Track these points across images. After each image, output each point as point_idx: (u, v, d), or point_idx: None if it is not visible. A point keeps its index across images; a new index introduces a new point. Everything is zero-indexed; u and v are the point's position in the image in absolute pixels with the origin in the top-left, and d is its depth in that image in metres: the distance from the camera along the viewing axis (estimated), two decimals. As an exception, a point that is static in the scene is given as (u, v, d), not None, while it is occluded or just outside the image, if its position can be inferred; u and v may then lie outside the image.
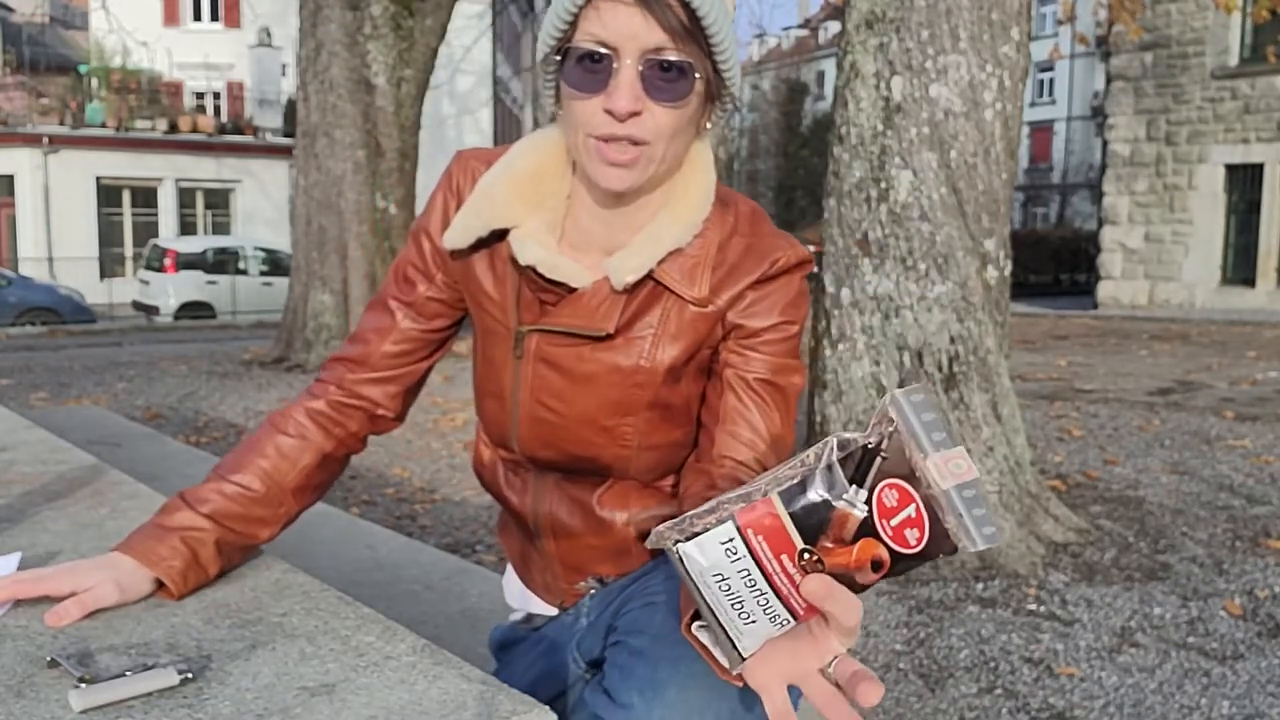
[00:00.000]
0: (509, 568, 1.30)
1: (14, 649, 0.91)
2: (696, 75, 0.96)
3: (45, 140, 21.51)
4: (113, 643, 0.93)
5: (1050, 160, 39.61)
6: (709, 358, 1.08)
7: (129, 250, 23.04)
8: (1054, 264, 25.38)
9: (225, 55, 26.05)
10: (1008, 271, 4.10)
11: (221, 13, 26.39)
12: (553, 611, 1.22)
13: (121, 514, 1.35)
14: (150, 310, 17.01)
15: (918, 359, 3.97)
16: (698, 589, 0.67)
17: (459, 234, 1.09)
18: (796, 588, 0.65)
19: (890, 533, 0.65)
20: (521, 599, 1.27)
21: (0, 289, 15.65)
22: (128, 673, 0.84)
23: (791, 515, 0.64)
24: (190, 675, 0.85)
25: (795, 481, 0.65)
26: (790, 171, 37.31)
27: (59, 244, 21.99)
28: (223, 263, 17.60)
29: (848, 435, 0.66)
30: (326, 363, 1.21)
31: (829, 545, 0.65)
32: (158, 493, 1.46)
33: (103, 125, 22.12)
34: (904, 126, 3.93)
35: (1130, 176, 17.59)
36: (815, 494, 0.65)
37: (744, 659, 0.69)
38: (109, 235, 23.03)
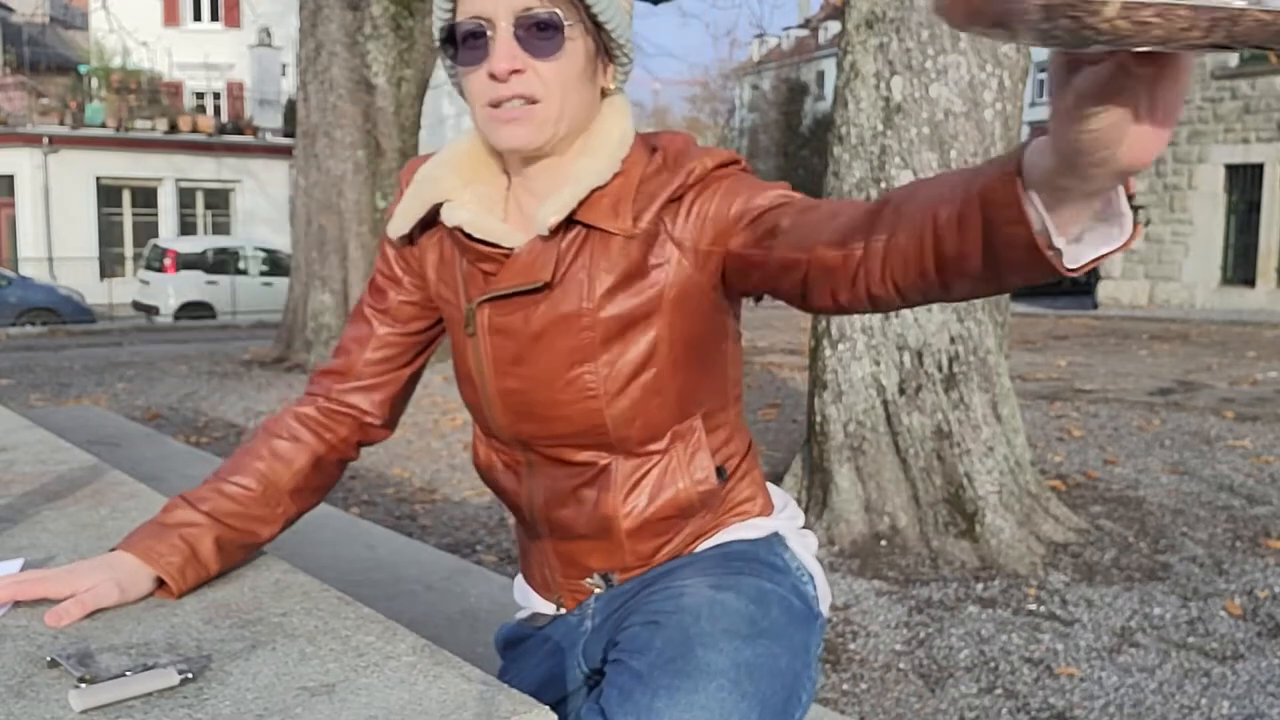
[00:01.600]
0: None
1: (14, 649, 0.91)
2: (567, 24, 1.00)
3: (45, 140, 21.50)
4: (113, 643, 0.93)
5: (1050, 160, 39.55)
6: (667, 292, 1.04)
7: (129, 250, 23.04)
8: (1054, 264, 25.35)
9: (225, 55, 26.05)
10: (1008, 271, 4.09)
11: (221, 13, 26.38)
12: (552, 609, 1.22)
13: (121, 514, 1.35)
14: (150, 310, 17.01)
15: (918, 359, 3.97)
16: None
17: (400, 220, 1.13)
18: None
19: None
20: (524, 596, 1.27)
21: (0, 289, 15.66)
22: (128, 673, 0.84)
23: None
24: (190, 675, 0.85)
25: None
26: (790, 171, 37.29)
27: (59, 244, 21.99)
28: (223, 263, 17.60)
29: None
30: (313, 375, 1.23)
31: None
32: (158, 493, 1.46)
33: (103, 125, 22.11)
34: (904, 126, 3.93)
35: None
36: None
37: None
38: (109, 235, 23.03)
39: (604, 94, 1.09)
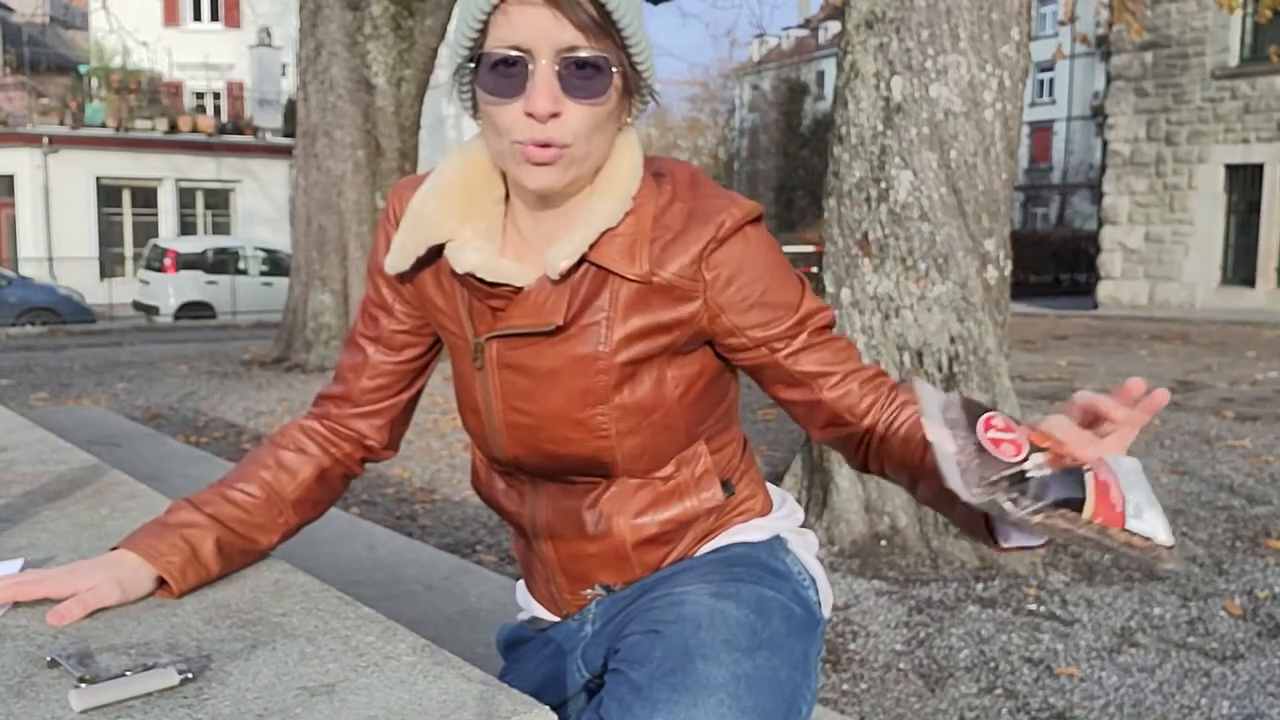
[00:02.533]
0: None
1: (14, 649, 0.91)
2: (614, 70, 0.96)
3: (45, 140, 21.51)
4: (113, 643, 0.93)
5: (1050, 160, 39.60)
6: (688, 341, 1.06)
7: (129, 250, 23.04)
8: (1054, 264, 25.39)
9: (225, 55, 26.05)
10: (1008, 271, 4.10)
11: (221, 13, 26.39)
12: (556, 619, 1.22)
13: (121, 514, 1.35)
14: (150, 310, 17.01)
15: (918, 359, 3.97)
16: (1125, 490, 0.80)
17: (398, 257, 1.08)
18: (1059, 443, 0.81)
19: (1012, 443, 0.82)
20: (527, 602, 1.27)
21: (0, 289, 15.66)
22: (128, 673, 0.84)
23: (1066, 502, 0.78)
24: (190, 675, 0.85)
25: (1063, 504, 0.79)
26: (790, 171, 37.28)
27: (59, 244, 21.99)
28: (223, 263, 17.60)
29: (939, 436, 0.80)
30: (316, 398, 1.23)
31: (1018, 436, 0.81)
32: (158, 493, 1.46)
33: (103, 125, 22.12)
34: (904, 126, 3.93)
35: (1130, 176, 17.60)
36: (1053, 490, 0.78)
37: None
38: (109, 235, 23.03)
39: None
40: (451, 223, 1.05)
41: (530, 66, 0.93)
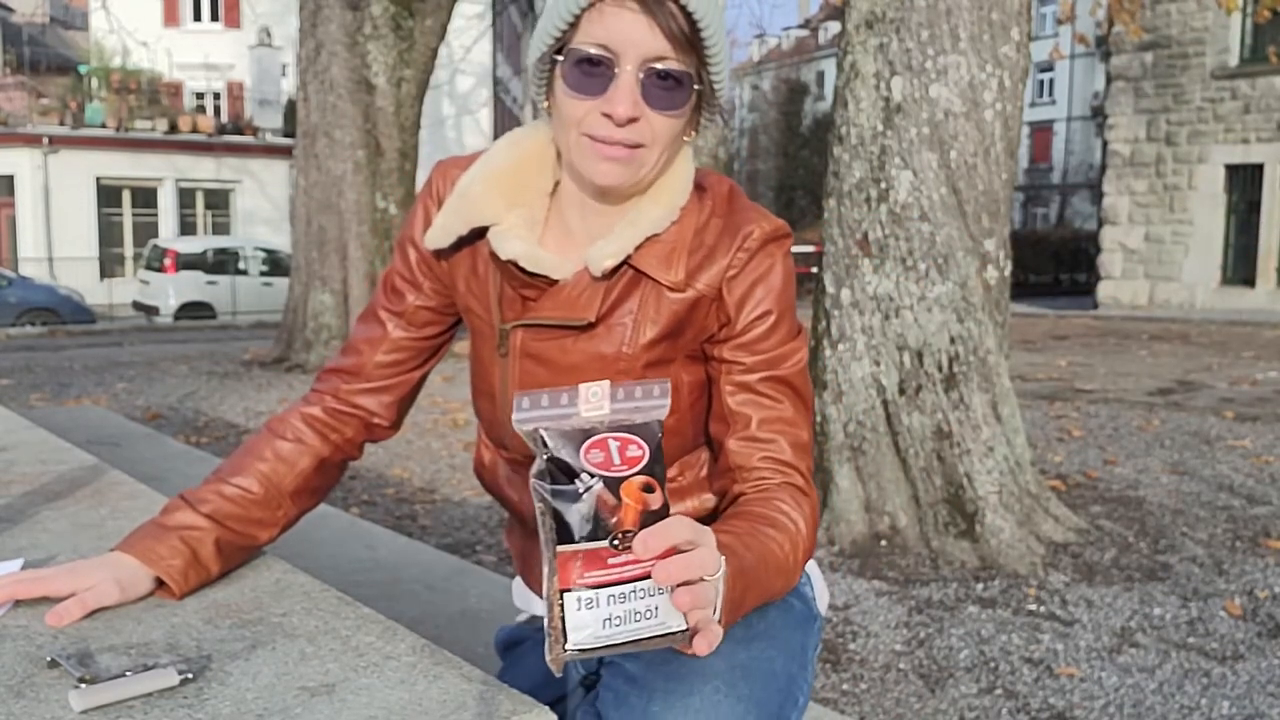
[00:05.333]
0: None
1: (14, 649, 0.91)
2: (695, 86, 0.97)
3: (45, 140, 21.50)
4: (113, 643, 0.93)
5: (1050, 160, 39.61)
6: (698, 346, 1.08)
7: (129, 250, 23.03)
8: (1054, 264, 25.39)
9: (225, 55, 26.04)
10: (1008, 271, 4.10)
11: (221, 13, 26.38)
12: None
13: (121, 514, 1.35)
14: (150, 310, 17.02)
15: (918, 359, 3.97)
16: (627, 641, 0.73)
17: (439, 234, 1.09)
18: (640, 561, 0.73)
19: (626, 463, 0.74)
20: (525, 600, 1.27)
21: (0, 289, 15.66)
22: (128, 673, 0.84)
23: (579, 540, 0.72)
24: (190, 675, 0.85)
25: (555, 522, 0.73)
26: (790, 171, 37.28)
27: (59, 244, 21.99)
28: (223, 263, 17.60)
29: (536, 472, 0.74)
30: (321, 373, 1.22)
31: (615, 519, 0.73)
32: (158, 493, 1.46)
33: (103, 125, 22.11)
34: (904, 126, 3.93)
35: (1130, 176, 17.59)
36: (571, 515, 0.72)
37: (687, 627, 0.76)
38: (109, 235, 23.02)
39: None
40: (497, 207, 1.06)
41: (615, 69, 0.95)
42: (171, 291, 17.03)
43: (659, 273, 1.03)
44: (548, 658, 0.71)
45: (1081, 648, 2.99)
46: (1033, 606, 3.32)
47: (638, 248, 1.03)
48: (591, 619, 0.71)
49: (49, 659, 0.88)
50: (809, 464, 1.07)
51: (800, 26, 48.72)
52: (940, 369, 3.95)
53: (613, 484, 0.73)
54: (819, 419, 4.16)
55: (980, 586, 3.49)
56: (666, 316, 1.04)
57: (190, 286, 17.14)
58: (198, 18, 26.48)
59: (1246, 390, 8.07)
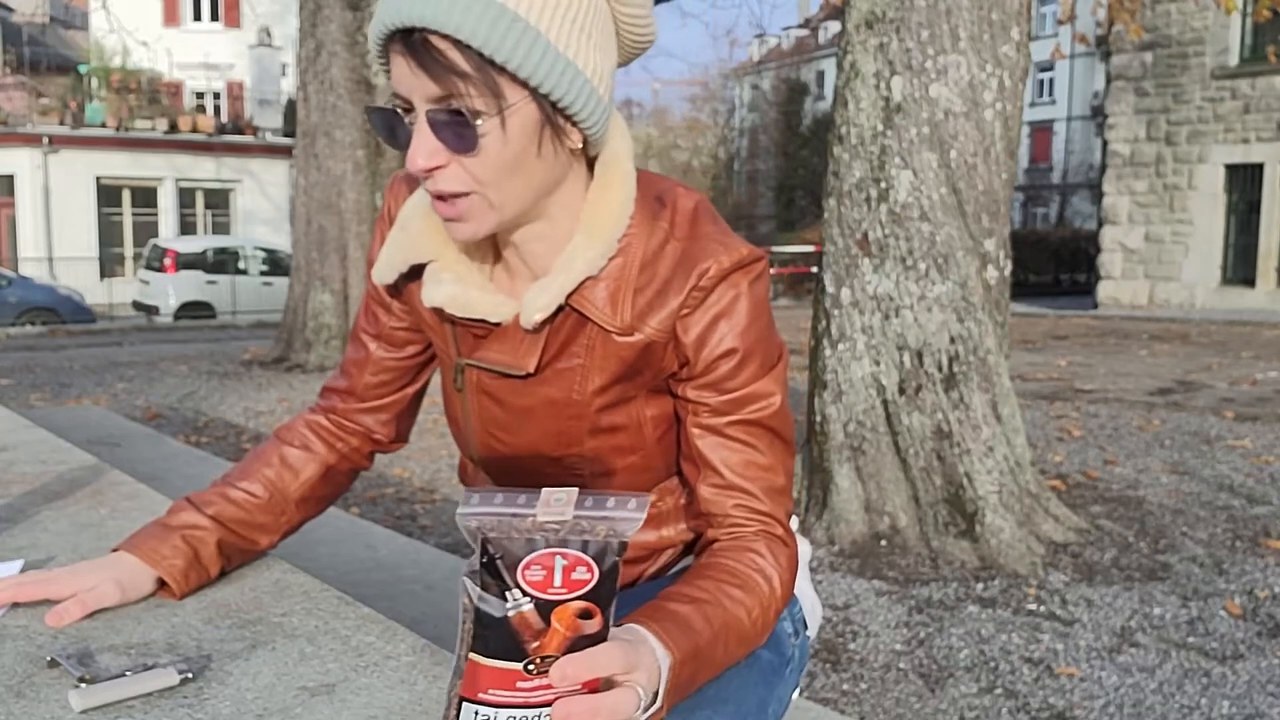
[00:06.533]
0: None
1: (14, 649, 0.91)
2: (481, 119, 0.85)
3: (45, 140, 21.50)
4: (113, 643, 0.93)
5: (1050, 160, 39.59)
6: (662, 381, 1.01)
7: (129, 250, 23.04)
8: (1054, 264, 25.38)
9: (225, 55, 26.05)
10: (1008, 271, 4.10)
11: (221, 13, 26.38)
12: None
13: (121, 514, 1.35)
14: (150, 310, 17.02)
15: (918, 359, 3.97)
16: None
17: (384, 269, 1.03)
18: (551, 687, 0.68)
19: (567, 586, 0.69)
20: None
21: (0, 289, 15.66)
22: (128, 673, 0.84)
23: (492, 656, 0.68)
24: (190, 675, 0.85)
25: (472, 631, 0.69)
26: (790, 171, 37.26)
27: (59, 244, 21.99)
28: (223, 263, 17.60)
29: (468, 571, 0.70)
30: (322, 390, 1.21)
31: (537, 644, 0.68)
32: (158, 493, 1.46)
33: (103, 125, 22.11)
34: (904, 126, 3.93)
35: (1130, 176, 17.59)
36: (491, 628, 0.68)
37: None
38: (109, 235, 23.02)
39: (587, 150, 0.95)
40: (435, 243, 0.99)
41: (410, 119, 0.88)
42: (171, 291, 17.03)
43: (603, 317, 0.95)
44: None
45: (1081, 647, 2.99)
46: (1033, 606, 3.32)
47: (578, 289, 0.95)
48: None
49: (49, 659, 0.88)
50: (788, 508, 1.00)
51: (800, 26, 48.71)
52: (940, 369, 3.95)
53: (545, 607, 0.68)
54: (819, 419, 4.16)
55: (980, 586, 3.50)
56: (615, 362, 0.97)
57: (190, 286, 17.14)
58: (198, 17, 26.49)
59: (1246, 390, 8.07)
